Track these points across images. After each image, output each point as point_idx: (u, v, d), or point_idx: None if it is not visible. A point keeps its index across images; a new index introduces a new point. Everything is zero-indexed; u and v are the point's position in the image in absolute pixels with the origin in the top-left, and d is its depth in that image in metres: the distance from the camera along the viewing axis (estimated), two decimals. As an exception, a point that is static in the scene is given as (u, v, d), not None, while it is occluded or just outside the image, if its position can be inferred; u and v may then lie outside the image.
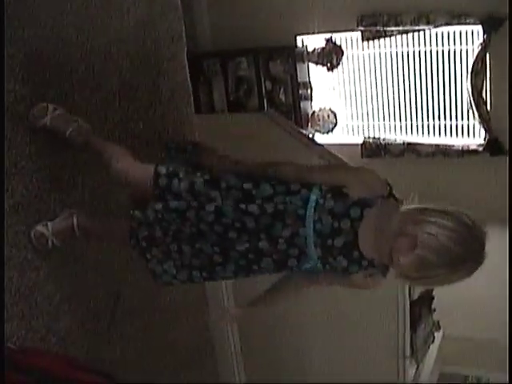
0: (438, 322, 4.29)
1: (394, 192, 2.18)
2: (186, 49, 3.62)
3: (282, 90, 6.37)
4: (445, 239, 1.92)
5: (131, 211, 2.41)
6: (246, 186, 2.27)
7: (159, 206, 2.32)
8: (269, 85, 6.38)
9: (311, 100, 6.51)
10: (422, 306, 3.97)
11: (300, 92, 6.37)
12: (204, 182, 2.30)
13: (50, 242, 2.78)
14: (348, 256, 2.16)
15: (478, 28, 5.54)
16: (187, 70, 3.65)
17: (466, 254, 1.93)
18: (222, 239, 2.28)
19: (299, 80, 6.32)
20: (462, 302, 4.50)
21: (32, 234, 2.76)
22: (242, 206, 2.23)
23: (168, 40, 3.51)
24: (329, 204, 2.13)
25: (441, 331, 4.35)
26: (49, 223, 2.79)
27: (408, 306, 3.73)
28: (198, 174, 2.33)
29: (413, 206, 2.11)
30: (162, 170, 2.36)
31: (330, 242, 2.15)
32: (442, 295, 4.20)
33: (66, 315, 3.00)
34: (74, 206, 2.92)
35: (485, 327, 4.52)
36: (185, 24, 3.62)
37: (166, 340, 3.74)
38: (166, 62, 3.49)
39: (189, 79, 3.68)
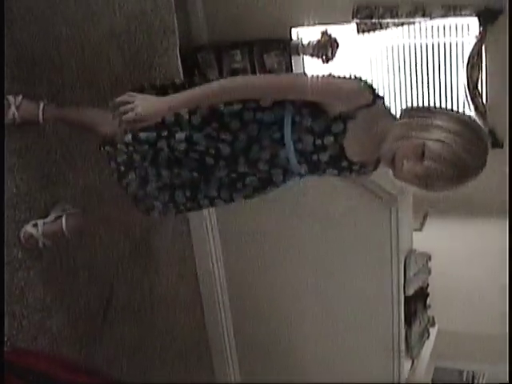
0: (433, 318, 4.28)
1: (378, 93, 2.05)
2: (178, 43, 3.59)
3: (276, 82, 6.32)
4: (455, 146, 1.85)
5: (101, 147, 2.35)
6: (218, 107, 2.13)
7: (128, 137, 2.22)
8: (263, 77, 6.33)
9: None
10: (416, 302, 3.95)
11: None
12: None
13: (40, 244, 2.74)
14: (337, 166, 2.10)
15: (474, 20, 5.50)
16: (179, 64, 3.61)
17: (473, 162, 1.88)
18: (199, 165, 2.19)
19: (294, 72, 6.28)
20: (457, 296, 4.50)
21: (21, 235, 2.71)
22: (213, 133, 2.12)
23: (160, 34, 3.47)
24: (306, 122, 2.02)
25: (436, 327, 4.34)
26: (39, 223, 2.73)
27: (403, 302, 3.72)
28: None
29: (415, 107, 2.02)
30: None
31: (315, 157, 2.07)
32: (437, 290, 4.20)
33: (58, 314, 2.97)
34: (64, 201, 2.88)
35: (479, 321, 4.50)
36: (178, 18, 3.59)
37: (159, 338, 3.72)
38: (158, 56, 3.46)
39: (182, 73, 3.65)
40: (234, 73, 6.33)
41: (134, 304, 3.46)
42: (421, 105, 1.82)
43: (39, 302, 2.86)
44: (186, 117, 2.15)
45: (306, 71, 6.32)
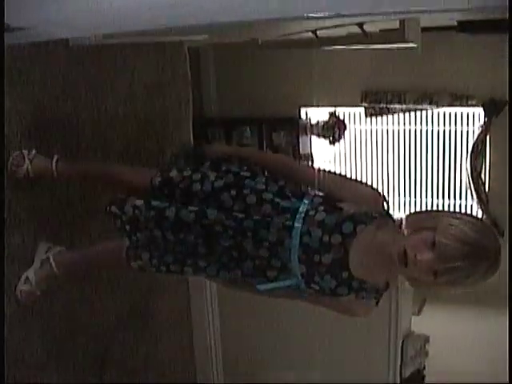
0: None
1: (389, 210, 2.08)
2: (191, 115, 3.68)
3: (283, 160, 6.42)
4: (466, 228, 1.83)
5: (107, 208, 2.34)
6: (243, 173, 2.21)
7: (140, 202, 2.25)
8: (271, 154, 6.44)
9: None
10: (413, 385, 3.92)
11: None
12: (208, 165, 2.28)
13: (38, 293, 2.71)
14: (336, 276, 2.01)
15: (480, 110, 5.64)
16: (192, 137, 3.70)
17: (485, 244, 1.82)
18: (206, 232, 2.16)
19: (301, 151, 6.39)
20: (454, 381, 4.45)
21: (18, 295, 2.70)
22: (228, 202, 2.15)
23: (176, 106, 3.57)
24: (320, 216, 2.01)
25: (432, 412, 4.28)
26: (29, 276, 2.69)
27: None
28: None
29: (422, 211, 2.05)
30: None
31: (317, 257, 2.00)
32: (434, 374, 4.16)
33: (54, 373, 2.96)
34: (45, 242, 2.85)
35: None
36: (192, 91, 3.69)
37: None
38: (171, 127, 3.54)
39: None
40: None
41: (129, 366, 3.44)
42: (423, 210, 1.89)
43: (36, 358, 2.86)
44: (212, 178, 2.21)
45: (313, 151, 6.44)
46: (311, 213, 2.04)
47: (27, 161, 2.67)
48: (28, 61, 2.70)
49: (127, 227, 2.34)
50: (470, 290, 1.89)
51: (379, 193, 2.11)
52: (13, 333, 2.73)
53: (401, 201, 6.45)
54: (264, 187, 2.15)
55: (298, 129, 6.30)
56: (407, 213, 2.06)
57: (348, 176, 2.13)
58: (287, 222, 2.05)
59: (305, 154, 6.42)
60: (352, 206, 2.01)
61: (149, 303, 3.56)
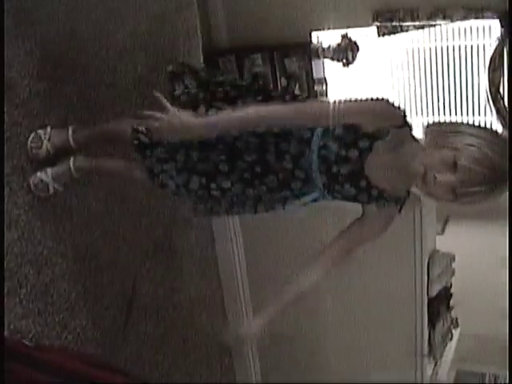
0: (457, 319, 4.24)
1: (408, 119, 2.05)
2: (201, 45, 3.61)
3: (297, 86, 6.34)
4: (488, 150, 1.80)
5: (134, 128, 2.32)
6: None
7: None
8: (284, 81, 6.35)
9: (327, 96, 6.47)
10: (440, 303, 3.92)
11: (315, 88, 6.33)
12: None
13: (51, 188, 2.74)
14: (355, 184, 2.07)
15: (496, 23, 5.48)
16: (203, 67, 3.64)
17: (505, 166, 1.81)
18: (230, 148, 2.19)
19: (314, 76, 6.28)
20: (480, 298, 4.47)
21: (31, 182, 2.70)
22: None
23: (183, 36, 3.50)
24: (338, 131, 2.05)
25: (458, 328, 4.31)
26: (48, 169, 2.73)
27: (426, 303, 3.70)
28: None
29: (437, 122, 2.02)
30: None
31: (335, 168, 2.07)
32: (460, 292, 4.17)
33: (82, 312, 2.99)
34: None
35: (502, 324, 4.46)
36: (199, 20, 3.61)
37: (182, 337, 3.73)
38: (181, 57, 3.48)
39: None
40: (256, 77, 6.35)
41: (156, 303, 3.48)
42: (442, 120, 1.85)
43: (64, 299, 2.89)
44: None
45: (327, 75, 6.34)
46: (330, 127, 2.05)
47: (45, 141, 2.67)
48: (33, 1, 2.64)
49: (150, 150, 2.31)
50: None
51: (392, 104, 2.06)
52: (40, 274, 2.75)
53: (419, 120, 6.36)
54: None
55: (310, 53, 6.18)
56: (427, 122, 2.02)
57: (355, 98, 2.05)
58: (305, 135, 2.10)
59: (318, 79, 6.32)
60: (369, 125, 2.00)
61: (173, 239, 3.57)
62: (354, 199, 2.13)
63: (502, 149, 1.83)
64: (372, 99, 2.10)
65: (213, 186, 2.28)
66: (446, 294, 3.99)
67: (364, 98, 2.11)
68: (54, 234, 2.82)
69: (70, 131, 2.72)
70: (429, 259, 3.65)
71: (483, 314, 4.46)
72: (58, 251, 2.83)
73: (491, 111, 5.76)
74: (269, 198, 2.29)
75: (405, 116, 2.05)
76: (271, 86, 6.30)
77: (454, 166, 1.83)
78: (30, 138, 2.67)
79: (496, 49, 5.50)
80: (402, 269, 3.59)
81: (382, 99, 2.08)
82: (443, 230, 5.47)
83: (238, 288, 4.03)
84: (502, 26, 5.41)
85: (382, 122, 2.00)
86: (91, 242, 2.98)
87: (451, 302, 4.09)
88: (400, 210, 2.14)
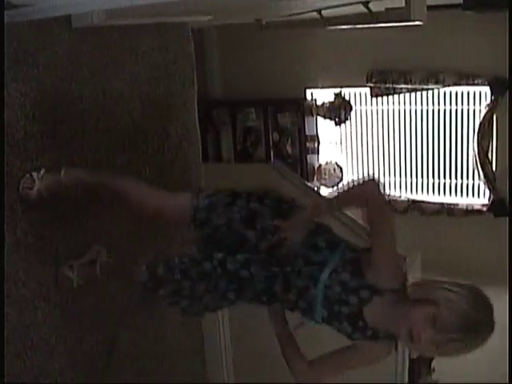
0: (437, 383, 4.23)
1: (406, 281, 2.22)
2: (196, 96, 3.66)
3: (289, 141, 6.42)
4: (465, 306, 2.00)
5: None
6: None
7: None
8: (276, 136, 6.43)
9: (318, 153, 6.54)
10: (421, 365, 3.91)
11: (307, 145, 6.41)
12: (240, 218, 2.33)
13: (75, 284, 2.85)
14: (353, 324, 2.21)
15: (486, 89, 5.60)
16: (197, 118, 3.68)
17: (482, 321, 2.01)
18: (239, 277, 2.30)
19: (307, 133, 6.37)
20: (463, 363, 4.44)
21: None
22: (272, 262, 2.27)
23: (180, 86, 3.54)
24: (344, 276, 2.18)
25: (440, 392, 4.29)
26: (74, 265, 2.83)
27: (407, 364, 3.68)
28: (235, 208, 2.36)
29: (425, 279, 2.25)
30: (200, 203, 2.42)
31: (337, 308, 2.21)
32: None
33: (61, 357, 2.96)
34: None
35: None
36: (196, 72, 3.66)
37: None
38: (176, 108, 3.52)
39: (198, 127, 3.71)
40: (248, 130, 6.43)
41: (137, 352, 3.43)
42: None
43: (43, 342, 2.86)
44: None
45: (319, 133, 6.42)
46: (339, 269, 2.20)
47: (37, 181, 2.68)
48: (32, 43, 2.69)
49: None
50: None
51: (402, 268, 2.28)
52: (21, 316, 2.73)
53: (407, 182, 6.42)
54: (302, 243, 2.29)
55: (303, 110, 6.27)
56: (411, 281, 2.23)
57: (387, 244, 2.19)
58: (315, 273, 2.22)
59: (310, 136, 6.39)
60: (375, 275, 2.15)
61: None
62: (349, 336, 2.25)
63: (479, 303, 2.04)
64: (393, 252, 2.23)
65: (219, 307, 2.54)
66: (427, 356, 3.98)
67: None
68: (38, 277, 2.80)
69: (63, 173, 2.70)
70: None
71: (465, 378, 4.44)
72: (41, 294, 2.81)
73: (479, 175, 5.83)
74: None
75: (405, 279, 2.22)
76: (263, 140, 6.37)
77: (434, 320, 2.01)
78: (23, 179, 2.67)
79: (485, 115, 5.60)
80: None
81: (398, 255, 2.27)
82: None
83: (219, 341, 3.99)
84: (492, 94, 5.52)
85: (390, 276, 2.16)
86: (75, 287, 2.96)
87: (432, 363, 4.08)
88: (396, 348, 2.36)
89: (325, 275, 2.19)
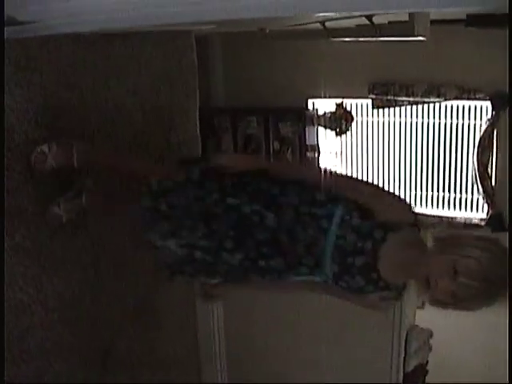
0: (431, 397, 4.22)
1: (418, 222, 2.19)
2: (198, 105, 3.67)
3: (289, 150, 6.42)
4: (488, 262, 1.95)
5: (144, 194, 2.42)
6: (274, 191, 2.26)
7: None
8: (277, 145, 6.43)
9: (318, 163, 6.55)
10: (416, 379, 3.91)
11: (307, 154, 6.41)
12: (232, 184, 2.31)
13: (64, 220, 2.78)
14: (366, 276, 2.15)
15: (487, 104, 5.61)
16: (198, 127, 3.69)
17: (503, 275, 1.95)
18: (241, 224, 2.24)
19: (307, 142, 6.37)
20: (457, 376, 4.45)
21: (46, 215, 2.74)
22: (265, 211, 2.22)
23: (182, 95, 3.55)
24: (355, 222, 2.12)
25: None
26: (60, 201, 2.76)
27: (401, 378, 3.68)
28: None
29: (447, 232, 2.14)
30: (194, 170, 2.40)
31: (350, 260, 2.13)
32: (437, 368, 4.16)
33: (57, 362, 2.97)
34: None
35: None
36: (199, 79, 3.67)
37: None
38: (178, 116, 3.53)
39: (199, 135, 3.72)
40: (249, 138, 6.44)
41: (132, 359, 3.44)
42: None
43: (39, 347, 2.87)
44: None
45: (320, 142, 6.43)
46: (346, 217, 2.14)
47: (49, 156, 2.66)
48: (36, 50, 2.70)
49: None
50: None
51: (407, 204, 2.26)
52: (17, 321, 2.74)
53: (406, 194, 6.43)
54: (297, 201, 2.23)
55: (304, 120, 6.27)
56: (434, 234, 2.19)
57: (377, 185, 2.19)
58: (323, 224, 2.16)
59: (311, 145, 6.40)
60: (383, 214, 2.12)
61: (155, 295, 3.55)
62: (360, 290, 2.19)
63: (499, 259, 1.96)
64: (390, 193, 2.32)
65: (210, 259, 2.33)
66: (421, 370, 3.98)
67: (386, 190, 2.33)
68: (35, 282, 2.81)
69: (74, 150, 2.68)
70: (407, 334, 3.65)
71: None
72: (38, 299, 2.82)
73: (478, 190, 5.84)
74: (268, 271, 2.29)
75: (417, 217, 2.19)
76: (264, 148, 6.38)
77: (454, 273, 1.95)
78: (34, 153, 2.66)
79: (486, 129, 5.61)
80: (380, 342, 3.58)
81: (399, 196, 2.32)
82: (424, 305, 5.46)
83: (214, 350, 4.00)
84: (493, 109, 5.53)
85: (396, 215, 2.14)
86: (72, 293, 2.97)
87: (426, 378, 4.08)
88: (398, 299, 2.26)
89: (335, 226, 2.13)
